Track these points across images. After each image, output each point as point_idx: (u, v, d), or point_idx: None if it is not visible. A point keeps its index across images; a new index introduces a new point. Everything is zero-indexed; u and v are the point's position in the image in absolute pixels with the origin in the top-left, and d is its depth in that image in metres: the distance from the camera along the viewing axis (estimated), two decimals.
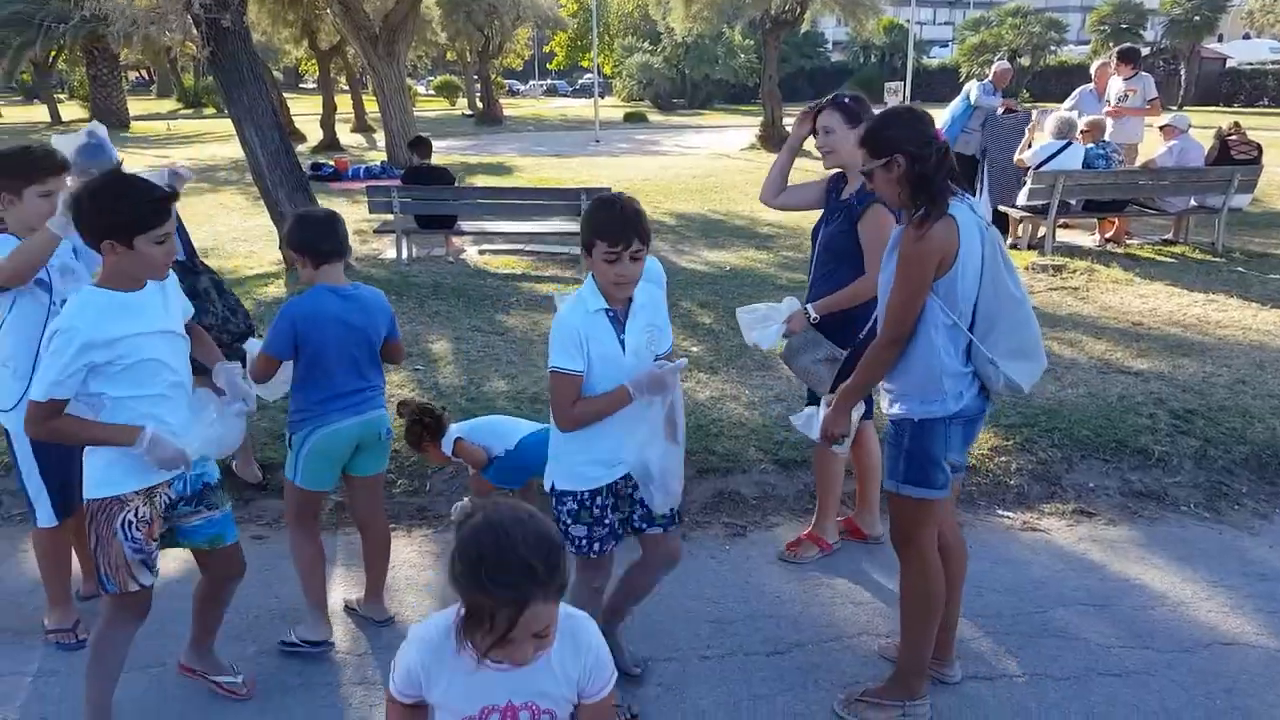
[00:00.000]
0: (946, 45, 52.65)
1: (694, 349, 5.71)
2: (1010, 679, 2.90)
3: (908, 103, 28.53)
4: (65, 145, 3.49)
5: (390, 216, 8.23)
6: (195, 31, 6.80)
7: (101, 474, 2.37)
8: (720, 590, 3.42)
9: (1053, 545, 3.74)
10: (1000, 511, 4.00)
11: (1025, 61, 37.73)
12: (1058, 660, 2.98)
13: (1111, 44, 36.49)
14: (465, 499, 3.74)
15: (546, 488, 2.65)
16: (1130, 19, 35.94)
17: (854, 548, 3.69)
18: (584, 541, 2.60)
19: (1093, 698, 2.81)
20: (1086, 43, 40.36)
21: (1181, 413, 4.63)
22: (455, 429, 3.68)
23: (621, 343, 2.49)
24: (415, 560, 3.64)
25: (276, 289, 7.24)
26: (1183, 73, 35.08)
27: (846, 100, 3.29)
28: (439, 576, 3.49)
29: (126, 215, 2.25)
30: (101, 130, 3.65)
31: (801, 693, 2.84)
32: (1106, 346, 5.68)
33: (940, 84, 35.89)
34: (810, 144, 3.68)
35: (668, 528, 2.70)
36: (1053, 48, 38.40)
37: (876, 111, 2.94)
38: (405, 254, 8.32)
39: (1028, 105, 10.36)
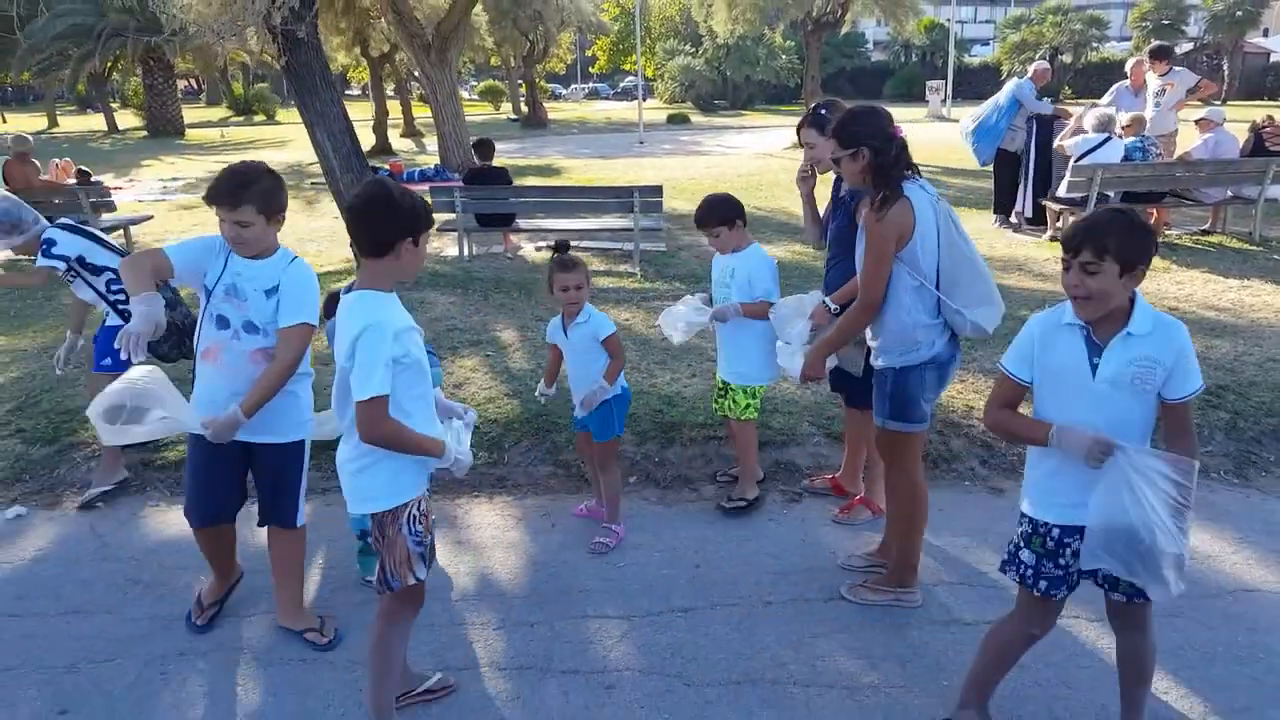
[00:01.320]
0: (988, 44, 52.33)
1: None
2: None
3: (948, 99, 28.64)
4: None
5: (453, 216, 8.67)
6: (272, 43, 7.27)
7: (393, 483, 2.39)
8: (780, 547, 3.74)
9: None
10: None
11: (1067, 59, 37.49)
12: (1091, 604, 3.26)
13: (1152, 40, 36.21)
14: None
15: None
16: (1172, 15, 35.57)
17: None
18: (1029, 572, 2.36)
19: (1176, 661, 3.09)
20: (1129, 39, 39.92)
21: (1213, 389, 4.86)
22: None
23: (1093, 366, 2.20)
24: (498, 523, 4.01)
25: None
26: (1226, 67, 34.60)
27: (822, 111, 3.68)
28: (521, 536, 3.87)
29: (422, 215, 2.36)
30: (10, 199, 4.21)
31: (857, 632, 3.16)
32: None
33: (982, 82, 35.77)
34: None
35: (1133, 598, 2.32)
36: (1094, 45, 38.06)
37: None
38: (466, 251, 8.75)
39: (1071, 102, 10.53)
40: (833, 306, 3.59)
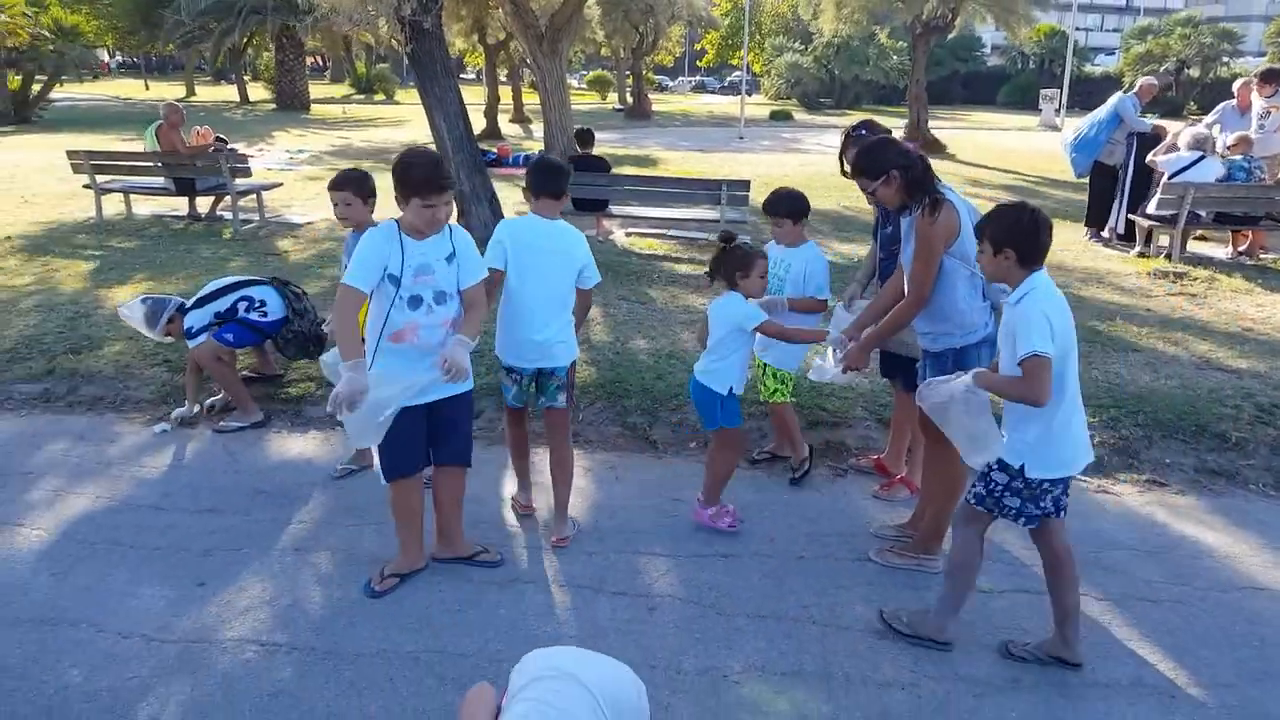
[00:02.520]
0: (1113, 53, 50.32)
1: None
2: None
3: (1063, 110, 27.86)
4: (133, 320, 4.92)
5: None
6: (400, 31, 7.94)
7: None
8: (819, 513, 4.11)
9: (1121, 506, 4.23)
10: (1079, 476, 4.49)
11: (1194, 73, 35.87)
12: (1102, 585, 3.54)
13: None
14: None
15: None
16: None
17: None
18: (1013, 512, 2.94)
19: (1127, 615, 3.36)
20: (1265, 55, 37.93)
21: (1268, 406, 4.98)
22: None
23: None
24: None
25: None
26: None
27: (861, 132, 3.98)
28: (589, 484, 4.33)
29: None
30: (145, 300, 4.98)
31: (878, 588, 3.51)
32: (1210, 347, 6.01)
33: (1101, 92, 34.24)
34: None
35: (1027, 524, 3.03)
36: (1225, 59, 36.31)
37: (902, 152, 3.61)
38: None
39: (1195, 117, 10.32)
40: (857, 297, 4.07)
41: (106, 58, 56.37)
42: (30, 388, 5.34)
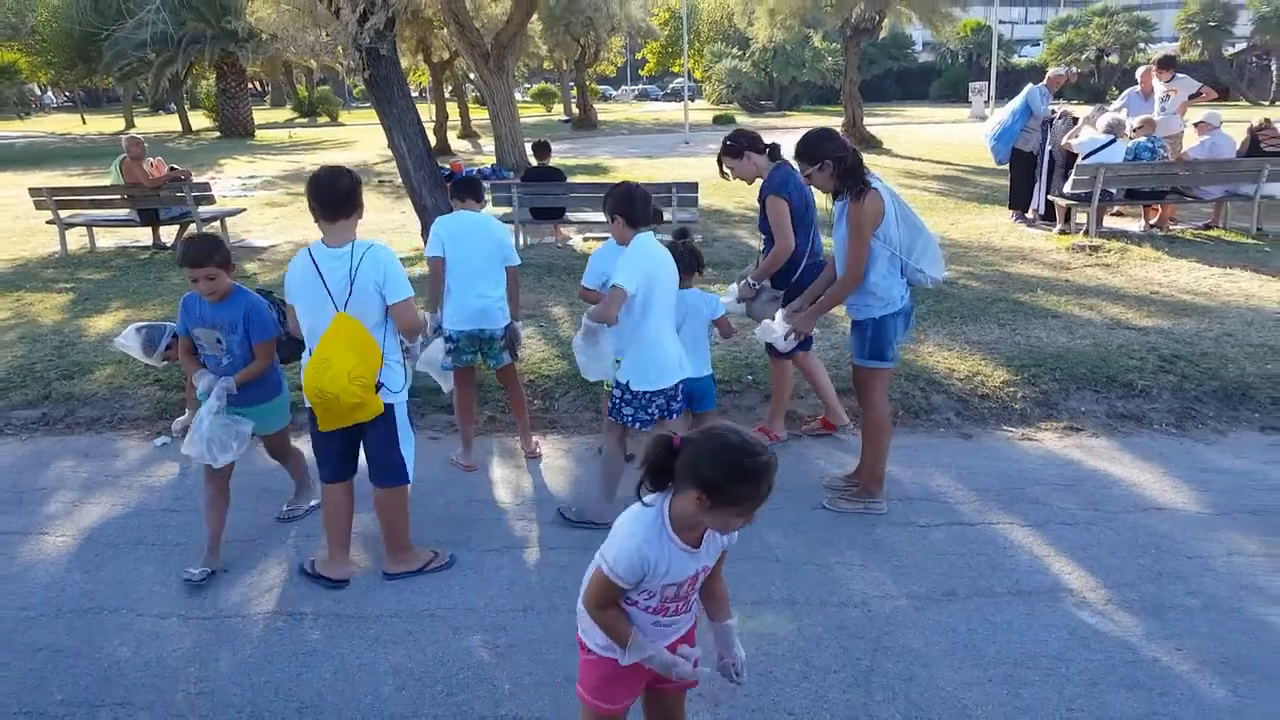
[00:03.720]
0: (1037, 44, 52.02)
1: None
2: (986, 525, 3.98)
3: (992, 101, 28.91)
4: (129, 347, 4.93)
5: (509, 209, 9.62)
6: (357, 58, 8.27)
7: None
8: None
9: (1043, 449, 4.77)
10: (1005, 427, 5.04)
11: (1114, 59, 37.38)
12: (1026, 515, 4.05)
13: (1199, 41, 35.91)
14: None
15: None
16: (1219, 16, 35.28)
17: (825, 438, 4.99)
18: (630, 418, 3.81)
19: (1045, 536, 3.87)
20: (1176, 39, 39.61)
21: (1169, 357, 5.58)
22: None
23: None
24: (550, 454, 4.88)
25: (420, 268, 8.69)
26: (1275, 68, 34.27)
27: (728, 143, 4.69)
28: (569, 463, 4.75)
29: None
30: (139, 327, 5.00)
31: (832, 528, 3.97)
32: (1120, 309, 6.62)
33: (1029, 83, 35.77)
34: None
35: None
36: (1141, 45, 37.91)
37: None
38: (522, 241, 9.70)
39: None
40: (754, 283, 4.58)
41: (39, 93, 55.41)
42: (28, 413, 5.60)
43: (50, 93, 59.72)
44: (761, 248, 4.83)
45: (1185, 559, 3.66)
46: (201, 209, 9.90)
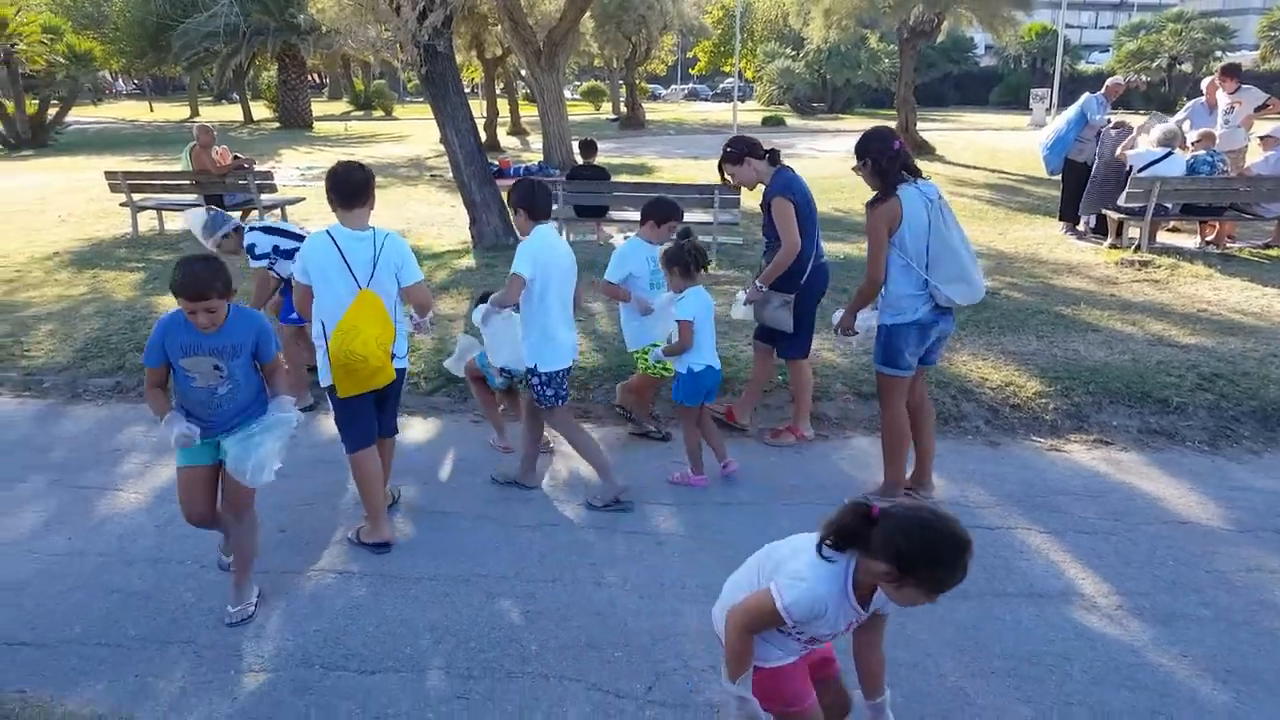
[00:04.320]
0: (1106, 50, 50.99)
1: None
2: (1005, 529, 4.08)
3: (1054, 109, 28.46)
4: (193, 223, 5.42)
5: (554, 206, 9.83)
6: (416, 55, 8.57)
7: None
8: (800, 469, 4.71)
9: (1070, 461, 4.83)
10: (1034, 437, 5.11)
11: (1186, 68, 36.48)
12: (1046, 521, 4.14)
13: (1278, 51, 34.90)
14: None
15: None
16: None
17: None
18: (552, 396, 4.15)
19: (1063, 543, 3.96)
20: (1258, 48, 38.48)
21: (1209, 375, 5.57)
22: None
23: None
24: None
25: (467, 261, 8.97)
26: None
27: (728, 150, 4.84)
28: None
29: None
30: (210, 210, 5.53)
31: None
32: (1164, 326, 6.61)
33: (1094, 90, 35.00)
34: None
35: None
36: (1217, 54, 36.93)
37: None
38: (565, 238, 9.90)
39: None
40: (762, 286, 4.74)
41: (111, 80, 57.26)
42: (103, 381, 5.98)
43: (120, 80, 61.67)
44: (764, 251, 4.97)
45: (1203, 572, 3.73)
46: (264, 196, 10.30)
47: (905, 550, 1.93)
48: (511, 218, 4.25)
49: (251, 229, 5.51)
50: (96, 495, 4.47)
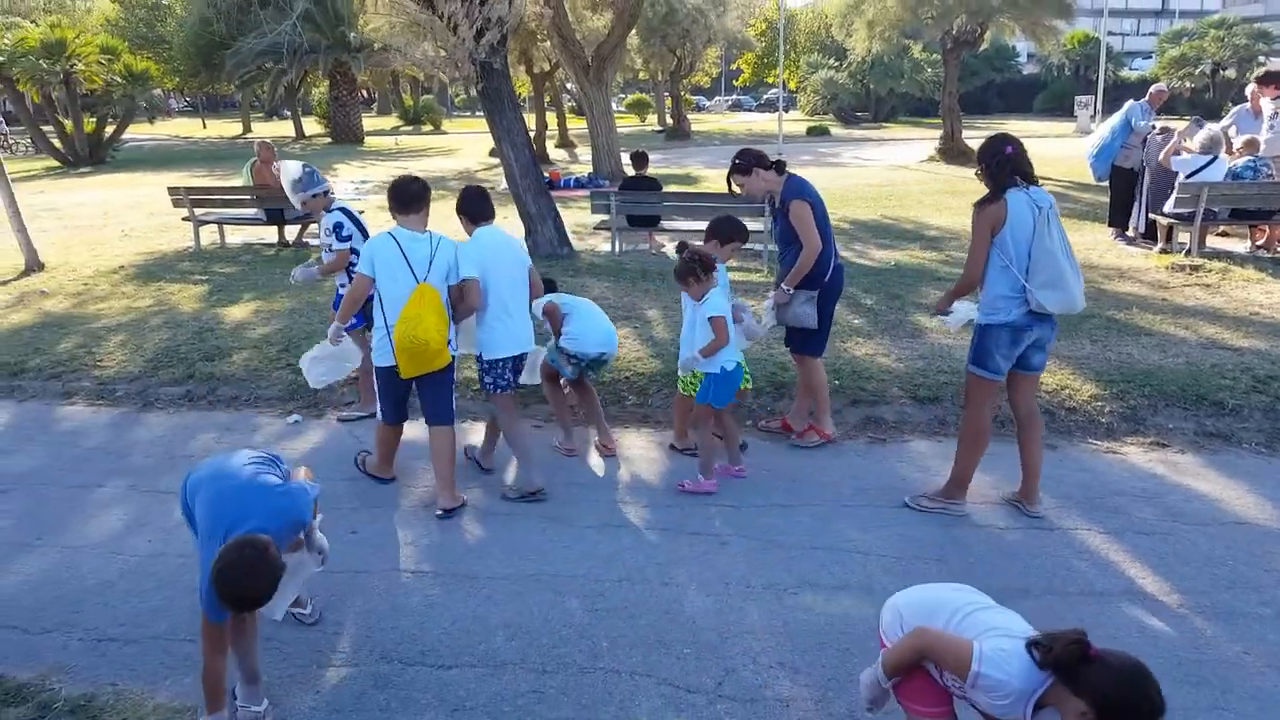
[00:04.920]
0: (1149, 57, 50.19)
1: (855, 321, 7.07)
2: (1064, 530, 4.13)
3: (1098, 116, 28.18)
4: (286, 175, 5.59)
5: (607, 216, 10.02)
6: (473, 71, 8.80)
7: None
8: (860, 472, 4.78)
9: (1127, 463, 4.85)
10: (1090, 440, 5.13)
11: (1230, 74, 35.81)
12: (1104, 522, 4.17)
13: None
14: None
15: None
16: None
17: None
18: (504, 382, 4.51)
19: (1122, 543, 4.00)
20: None
21: (1264, 377, 5.55)
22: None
23: None
24: (645, 445, 5.21)
25: None
26: None
27: (736, 162, 4.98)
28: (661, 455, 5.06)
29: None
30: (307, 167, 5.66)
31: (913, 527, 4.17)
32: (1217, 330, 6.57)
33: (1137, 98, 34.54)
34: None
35: None
36: (1261, 59, 36.17)
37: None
38: (618, 247, 10.09)
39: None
40: (786, 289, 4.84)
41: (164, 97, 58.97)
42: (174, 390, 6.23)
43: (172, 98, 63.51)
44: (779, 254, 5.10)
45: (1262, 571, 3.74)
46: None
47: (1113, 700, 2.00)
48: (461, 222, 4.61)
49: (339, 208, 5.51)
50: (174, 500, 4.62)
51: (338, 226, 5.39)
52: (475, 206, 4.54)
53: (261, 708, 2.98)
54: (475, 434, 5.29)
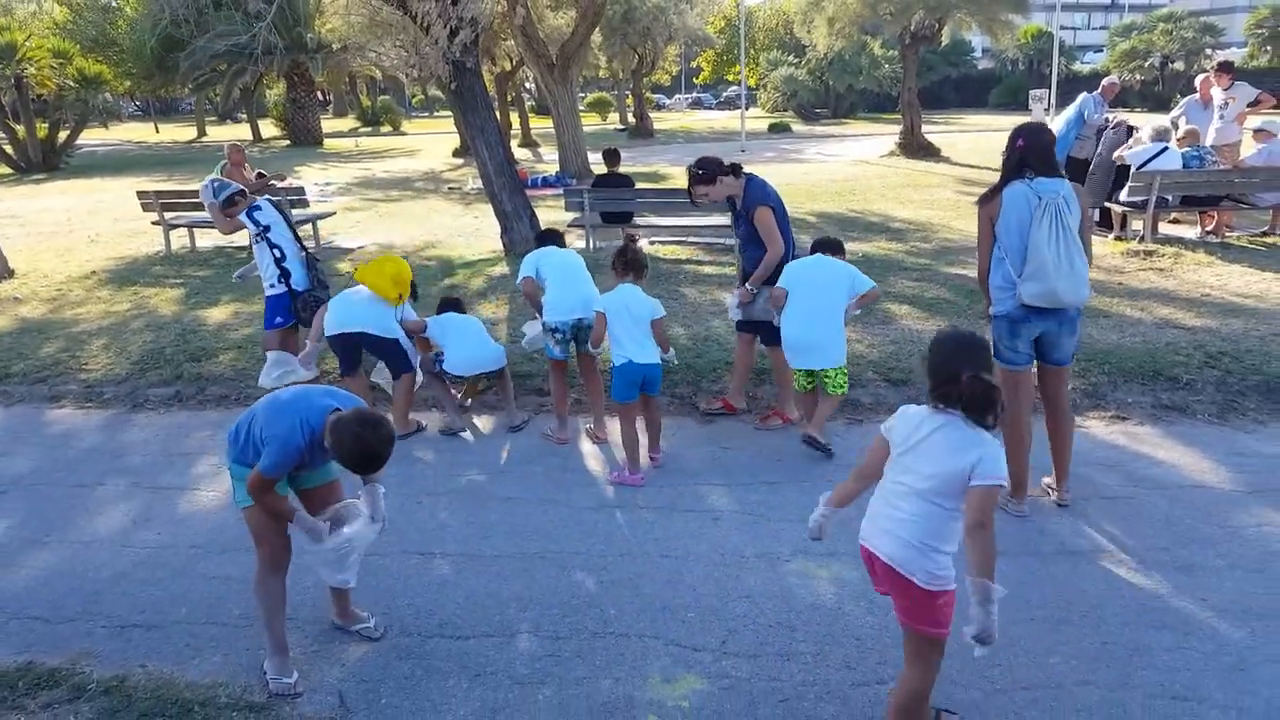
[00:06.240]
0: (1100, 51, 51.39)
1: None
2: (1039, 498, 4.38)
3: (1052, 109, 28.84)
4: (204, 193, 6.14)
5: (581, 214, 10.18)
6: (446, 70, 8.91)
7: None
8: (841, 451, 5.02)
9: (1091, 436, 5.13)
10: None
11: (1179, 66, 36.85)
12: (1073, 490, 4.40)
13: (1269, 47, 35.26)
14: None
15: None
16: None
17: None
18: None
19: (1089, 508, 4.26)
20: (1245, 45, 38.85)
21: (1215, 353, 5.90)
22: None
23: None
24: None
25: (501, 269, 9.31)
26: None
27: (699, 172, 5.15)
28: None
29: None
30: (217, 179, 6.25)
31: None
32: (1170, 310, 6.93)
33: (1090, 90, 35.40)
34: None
35: None
36: (1208, 51, 37.31)
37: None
38: (592, 244, 10.26)
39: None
40: (750, 288, 5.11)
41: (111, 100, 57.80)
42: (163, 391, 6.30)
43: (124, 102, 62.37)
44: (741, 251, 5.36)
45: (1217, 528, 4.03)
46: (296, 212, 10.64)
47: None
48: None
49: (267, 199, 6.09)
50: (176, 494, 4.78)
51: (255, 206, 5.84)
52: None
53: (292, 679, 3.13)
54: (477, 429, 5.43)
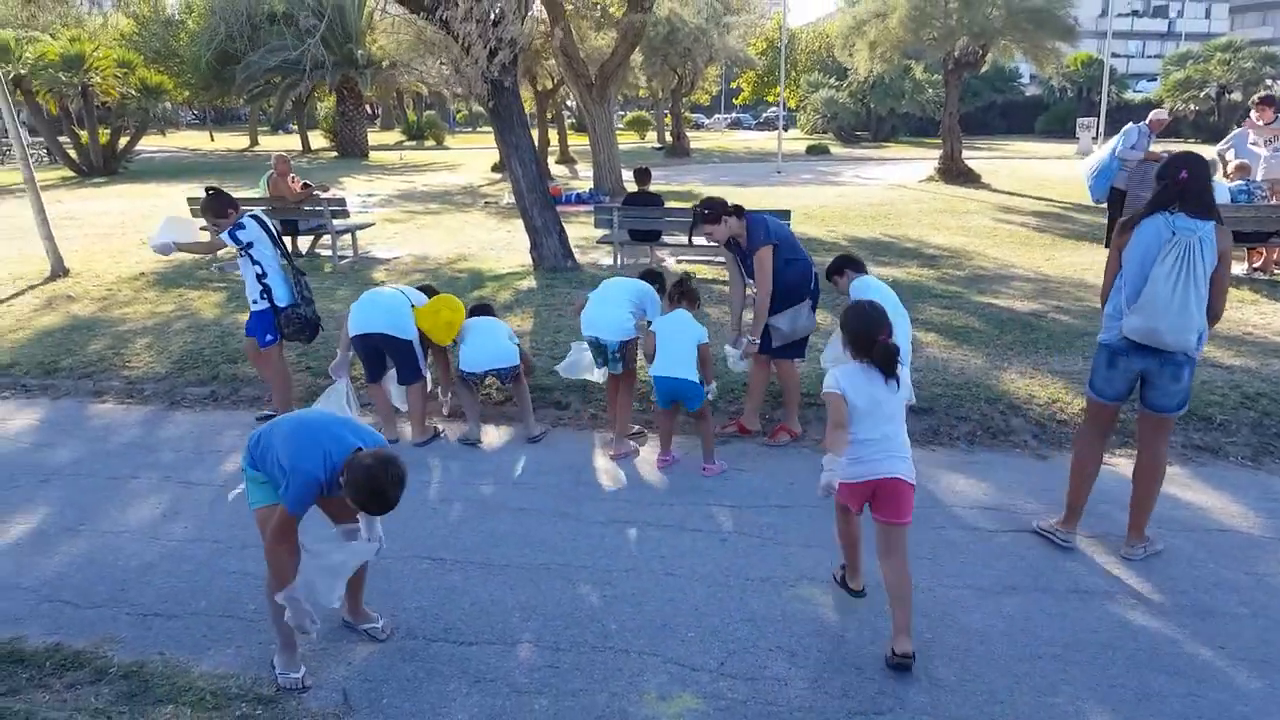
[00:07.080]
0: (1154, 79, 50.63)
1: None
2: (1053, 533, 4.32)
3: (1100, 138, 28.44)
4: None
5: (610, 231, 10.25)
6: (485, 89, 9.06)
7: None
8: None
9: (1116, 473, 5.01)
10: None
11: (1236, 97, 36.17)
12: (1092, 527, 4.33)
13: None
14: None
15: None
16: None
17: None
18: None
19: (1108, 546, 4.17)
20: None
21: (1252, 394, 5.75)
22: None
23: None
24: (646, 450, 5.43)
25: (529, 283, 9.40)
26: None
27: (705, 212, 5.21)
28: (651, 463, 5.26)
29: None
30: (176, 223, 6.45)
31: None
32: (1209, 348, 6.75)
33: (1142, 119, 34.74)
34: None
35: None
36: (1268, 82, 36.55)
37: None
38: (620, 261, 10.32)
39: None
40: (754, 340, 5.24)
41: (171, 109, 59.44)
42: (199, 390, 6.46)
43: (182, 111, 64.09)
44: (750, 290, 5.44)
45: (1243, 574, 3.93)
46: (336, 221, 10.86)
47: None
48: None
49: (251, 215, 5.85)
50: (205, 491, 4.90)
51: (238, 225, 5.73)
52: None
53: (299, 674, 3.21)
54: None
